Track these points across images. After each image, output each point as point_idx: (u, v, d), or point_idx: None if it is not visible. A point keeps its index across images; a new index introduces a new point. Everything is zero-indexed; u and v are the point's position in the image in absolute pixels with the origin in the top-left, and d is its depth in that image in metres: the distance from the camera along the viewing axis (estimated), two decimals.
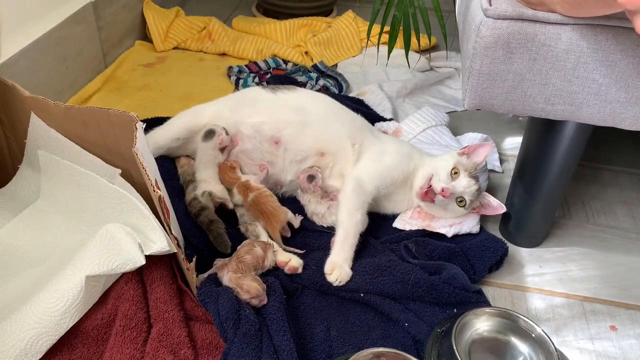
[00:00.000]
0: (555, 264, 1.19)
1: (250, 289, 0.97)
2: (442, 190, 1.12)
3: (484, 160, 1.19)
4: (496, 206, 1.17)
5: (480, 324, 0.98)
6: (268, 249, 1.07)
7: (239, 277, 0.99)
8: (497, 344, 0.96)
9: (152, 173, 0.87)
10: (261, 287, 0.98)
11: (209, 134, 1.22)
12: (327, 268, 1.05)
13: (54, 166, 1.03)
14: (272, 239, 1.13)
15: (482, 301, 1.06)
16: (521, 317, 0.96)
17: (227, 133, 1.22)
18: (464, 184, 1.13)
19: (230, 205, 1.19)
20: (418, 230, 1.19)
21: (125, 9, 1.82)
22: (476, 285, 1.09)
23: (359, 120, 1.28)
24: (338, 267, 1.05)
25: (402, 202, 1.23)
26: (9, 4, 1.34)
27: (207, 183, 1.20)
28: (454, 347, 0.89)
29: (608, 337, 1.04)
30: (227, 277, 0.99)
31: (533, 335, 0.94)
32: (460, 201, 1.14)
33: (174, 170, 1.29)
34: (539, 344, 0.93)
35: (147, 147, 0.89)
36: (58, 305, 0.86)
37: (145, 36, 1.95)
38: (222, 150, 1.22)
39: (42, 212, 1.07)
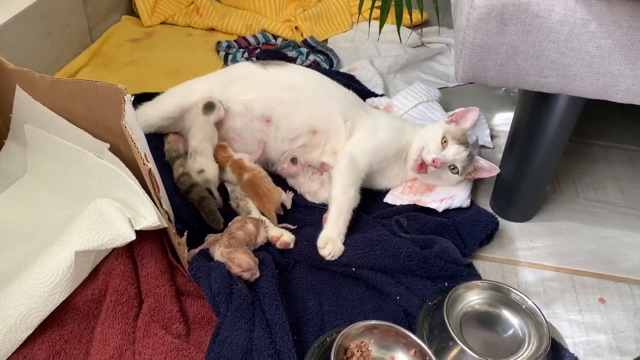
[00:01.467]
0: (545, 238, 1.20)
1: (241, 262, 0.97)
2: (433, 161, 1.12)
3: (472, 125, 1.19)
4: (489, 168, 1.17)
5: (472, 297, 0.99)
6: (260, 226, 1.06)
7: (230, 252, 0.98)
8: (489, 316, 0.97)
9: (142, 147, 0.86)
10: (253, 260, 0.98)
11: (209, 106, 1.19)
12: (320, 242, 1.05)
13: (41, 141, 1.01)
14: (263, 215, 1.13)
15: (473, 274, 1.06)
16: (512, 289, 0.97)
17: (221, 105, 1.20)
18: (453, 152, 1.13)
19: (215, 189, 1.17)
20: (409, 205, 1.19)
21: None
22: (467, 259, 1.09)
23: (350, 96, 1.27)
24: (331, 241, 1.05)
25: (396, 177, 1.23)
26: None
27: (204, 159, 1.17)
28: (446, 320, 0.90)
29: (597, 309, 1.05)
30: (219, 252, 0.99)
31: (524, 307, 0.95)
32: (453, 169, 1.15)
33: (162, 146, 1.27)
34: (529, 315, 0.95)
35: (135, 120, 0.88)
36: (48, 281, 0.85)
37: (132, 11, 1.91)
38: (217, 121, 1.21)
39: (29, 188, 1.06)
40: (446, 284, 1.03)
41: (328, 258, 1.04)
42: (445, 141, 1.15)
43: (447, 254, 1.04)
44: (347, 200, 1.10)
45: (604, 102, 0.97)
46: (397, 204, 1.20)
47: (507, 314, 0.97)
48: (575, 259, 1.15)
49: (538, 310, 0.93)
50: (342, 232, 1.08)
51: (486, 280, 1.04)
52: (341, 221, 1.08)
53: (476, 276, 1.07)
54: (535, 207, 1.25)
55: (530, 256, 1.15)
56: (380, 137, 1.19)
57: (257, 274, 0.97)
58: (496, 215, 1.17)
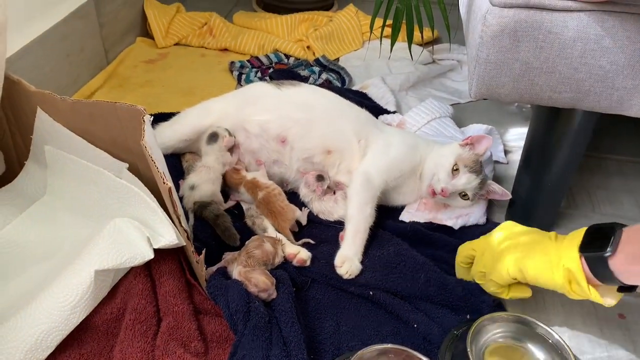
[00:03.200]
0: None
1: (258, 282, 0.97)
2: (442, 191, 1.12)
3: (486, 152, 1.19)
4: (501, 193, 1.18)
5: (497, 329, 0.95)
6: (277, 245, 1.07)
7: (248, 271, 0.99)
8: (513, 350, 0.94)
9: (161, 166, 0.87)
10: (270, 280, 0.98)
11: (213, 136, 1.22)
12: (338, 261, 1.05)
13: (61, 161, 1.03)
14: (279, 232, 1.13)
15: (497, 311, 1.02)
16: (538, 323, 0.93)
17: (230, 134, 1.22)
18: (464, 181, 1.13)
19: (223, 207, 1.18)
20: (425, 223, 1.19)
21: (126, 5, 1.82)
22: (496, 299, 1.03)
23: (363, 115, 1.28)
24: (349, 260, 1.05)
25: (411, 193, 1.22)
26: (14, 1, 1.33)
27: (198, 176, 1.19)
28: (468, 351, 0.87)
29: (617, 325, 1.04)
30: (237, 271, 0.99)
31: (550, 341, 0.92)
32: (464, 196, 1.15)
33: (178, 165, 1.28)
34: (555, 350, 0.91)
35: (154, 140, 0.89)
36: (67, 300, 0.86)
37: (147, 32, 1.95)
38: (230, 150, 1.22)
39: (49, 208, 1.07)
40: (468, 316, 1.00)
41: (346, 277, 1.04)
42: (456, 169, 1.14)
43: (471, 285, 1.02)
44: (363, 218, 1.10)
45: (618, 116, 0.97)
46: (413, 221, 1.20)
47: (532, 348, 0.94)
48: None
49: (565, 345, 0.90)
50: (360, 250, 1.07)
51: (511, 313, 1.00)
52: (358, 240, 1.08)
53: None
54: (551, 222, 1.24)
55: None
56: (394, 154, 1.19)
57: (274, 295, 0.97)
58: None
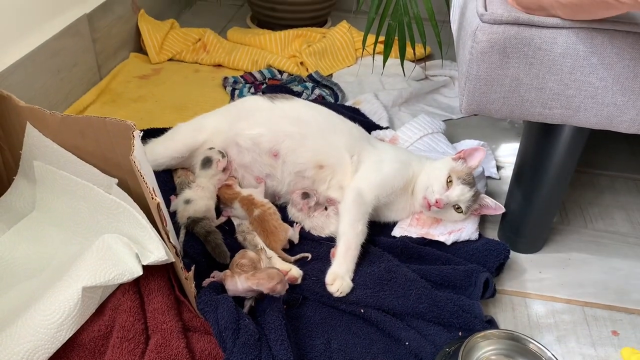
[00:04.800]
0: (555, 269, 1.18)
1: (272, 274, 0.97)
2: (436, 202, 1.12)
3: (479, 165, 1.19)
4: (494, 207, 1.17)
5: (489, 346, 0.94)
6: (260, 252, 1.07)
7: (252, 274, 0.98)
8: None
9: (150, 181, 0.87)
10: (275, 271, 0.99)
11: (206, 162, 1.21)
12: (329, 278, 1.04)
13: (50, 177, 1.02)
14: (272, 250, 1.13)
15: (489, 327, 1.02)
16: (530, 339, 0.93)
17: (223, 156, 1.22)
18: (458, 193, 1.13)
19: (215, 223, 1.17)
20: (417, 238, 1.18)
21: (120, 21, 1.82)
22: (488, 315, 1.05)
23: (356, 130, 1.28)
24: (340, 278, 1.04)
25: (403, 210, 1.22)
26: (4, 16, 1.34)
27: (193, 203, 1.17)
28: None
29: (610, 342, 1.04)
30: (242, 281, 0.98)
31: (543, 358, 0.91)
32: (457, 208, 1.14)
33: (170, 181, 1.28)
34: None
35: (144, 155, 0.88)
36: (54, 317, 0.85)
37: (140, 48, 1.95)
38: (223, 169, 1.22)
39: (37, 224, 1.06)
40: (460, 333, 0.99)
41: (336, 295, 1.03)
42: (450, 181, 1.14)
43: (461, 300, 1.02)
44: (354, 235, 1.10)
45: (609, 132, 0.97)
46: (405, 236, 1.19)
47: None
48: (585, 290, 1.14)
49: None
50: (351, 268, 1.07)
51: (503, 329, 1.00)
52: (349, 257, 1.07)
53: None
54: (544, 238, 1.24)
55: (540, 288, 1.14)
56: (386, 170, 1.19)
57: (287, 285, 0.99)
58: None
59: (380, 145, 1.30)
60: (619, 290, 1.14)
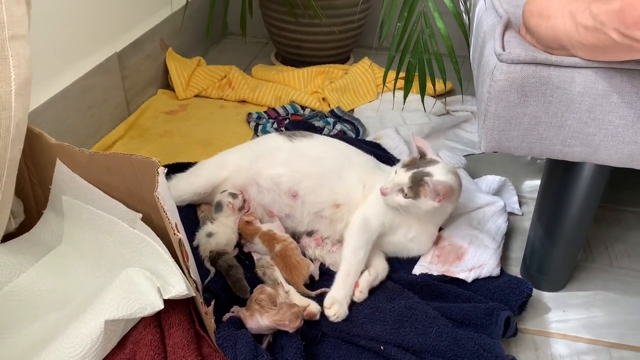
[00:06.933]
0: (579, 308, 1.16)
1: (297, 314, 0.98)
2: (380, 191, 1.14)
3: (424, 150, 1.19)
4: (437, 187, 1.11)
5: None
6: (277, 287, 1.07)
7: (275, 314, 0.98)
8: None
9: (173, 217, 0.89)
10: (296, 305, 1.00)
11: (217, 206, 1.25)
12: (327, 302, 1.06)
13: (77, 211, 1.05)
14: (289, 283, 1.13)
15: None
16: None
17: (234, 197, 1.24)
18: (394, 176, 1.14)
19: (233, 254, 1.19)
20: (438, 275, 1.17)
21: (148, 59, 1.89)
22: (510, 355, 1.03)
23: (371, 161, 1.30)
24: (337, 302, 1.06)
25: (425, 243, 1.21)
26: (42, 56, 1.39)
27: (215, 236, 1.20)
28: None
29: None
30: (267, 320, 0.98)
31: None
32: (401, 190, 1.12)
33: (193, 216, 1.30)
34: None
35: (167, 191, 0.91)
36: (77, 350, 0.86)
37: (168, 85, 2.01)
38: (239, 209, 1.25)
39: (63, 257, 1.09)
40: None
41: (333, 319, 1.04)
42: (395, 172, 1.16)
43: (481, 339, 1.01)
44: (355, 262, 1.11)
45: (634, 169, 0.96)
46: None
47: None
48: (611, 330, 1.11)
49: None
50: (349, 294, 1.08)
51: None
52: (348, 283, 1.09)
53: None
54: (568, 275, 1.22)
55: (563, 328, 1.12)
56: None
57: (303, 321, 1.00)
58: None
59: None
60: None
